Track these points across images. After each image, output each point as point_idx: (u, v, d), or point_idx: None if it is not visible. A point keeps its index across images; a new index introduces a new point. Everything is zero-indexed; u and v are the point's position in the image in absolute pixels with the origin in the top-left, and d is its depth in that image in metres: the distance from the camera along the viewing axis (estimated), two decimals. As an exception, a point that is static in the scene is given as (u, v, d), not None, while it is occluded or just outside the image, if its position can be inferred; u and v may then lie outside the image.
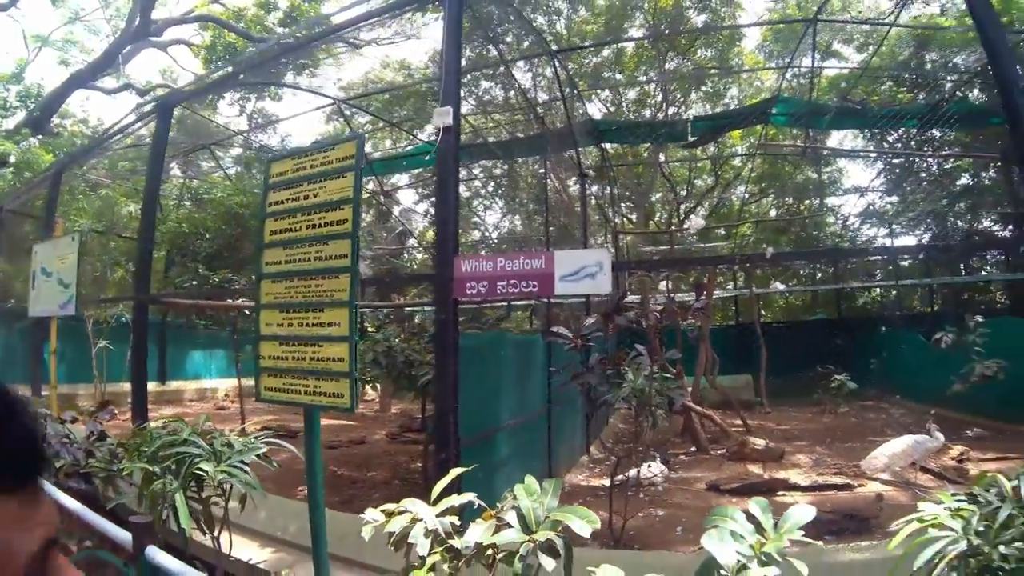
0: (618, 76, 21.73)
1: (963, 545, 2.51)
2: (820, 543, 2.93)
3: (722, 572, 2.33)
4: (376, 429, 13.83)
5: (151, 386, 17.95)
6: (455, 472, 3.19)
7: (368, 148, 27.68)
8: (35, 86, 22.82)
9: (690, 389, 12.37)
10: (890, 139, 17.09)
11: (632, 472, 7.60)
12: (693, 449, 10.88)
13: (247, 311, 9.69)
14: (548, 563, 2.50)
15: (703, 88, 21.52)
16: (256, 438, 4.53)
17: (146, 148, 13.49)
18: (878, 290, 22.29)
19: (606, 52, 20.78)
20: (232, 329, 12.06)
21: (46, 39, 27.89)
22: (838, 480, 8.13)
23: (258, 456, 4.31)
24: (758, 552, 2.42)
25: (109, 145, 11.74)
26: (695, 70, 19.73)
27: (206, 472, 4.01)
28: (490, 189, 25.04)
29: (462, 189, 27.12)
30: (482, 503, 2.94)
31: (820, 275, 23.17)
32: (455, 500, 2.91)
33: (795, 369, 15.46)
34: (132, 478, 4.76)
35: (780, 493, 7.52)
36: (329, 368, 3.63)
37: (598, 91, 22.20)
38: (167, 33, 23.92)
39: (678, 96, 22.24)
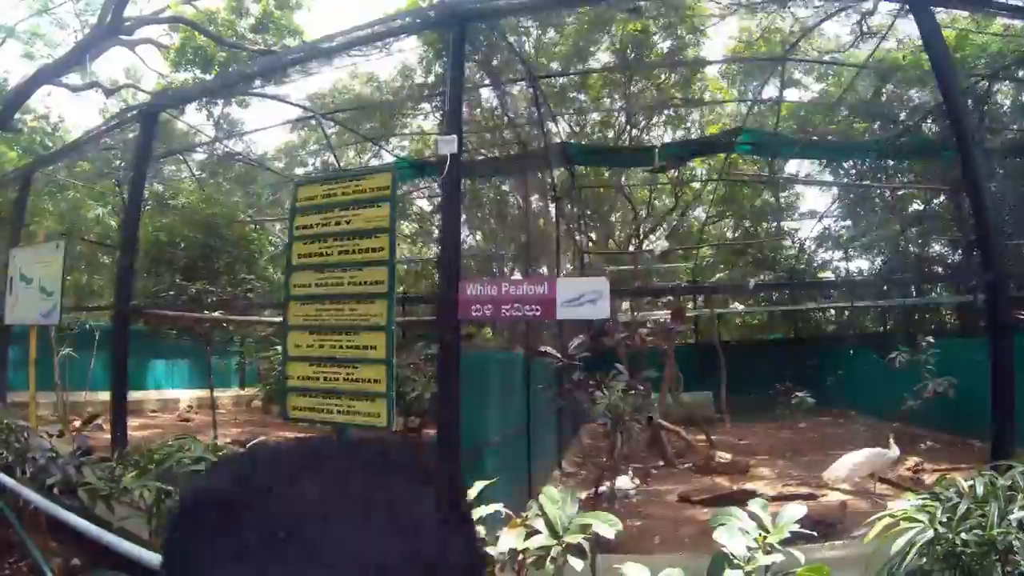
0: (582, 98, 22.08)
1: (930, 534, 2.89)
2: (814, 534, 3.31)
3: (734, 561, 2.63)
4: None
5: (109, 396, 17.58)
6: (480, 485, 3.38)
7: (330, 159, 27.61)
8: (1, 79, 22.27)
9: (656, 405, 12.72)
10: (846, 166, 17.81)
11: (606, 485, 7.87)
12: (661, 463, 11.18)
13: (226, 324, 9.71)
14: (577, 564, 2.75)
15: (666, 112, 22.02)
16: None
17: (112, 153, 13.41)
18: (833, 311, 23.08)
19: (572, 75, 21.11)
20: (205, 340, 11.93)
21: (12, 30, 27.17)
22: (803, 490, 8.52)
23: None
24: (762, 544, 2.77)
25: (84, 149, 11.60)
26: (659, 100, 20.26)
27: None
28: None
29: (423, 203, 27.23)
30: (509, 512, 3.16)
31: (776, 296, 23.81)
32: (483, 511, 3.13)
33: (754, 386, 15.92)
34: (134, 497, 4.75)
35: (749, 503, 7.82)
36: (365, 388, 3.80)
37: (563, 112, 22.55)
38: (137, 32, 23.46)
39: (641, 120, 22.71)
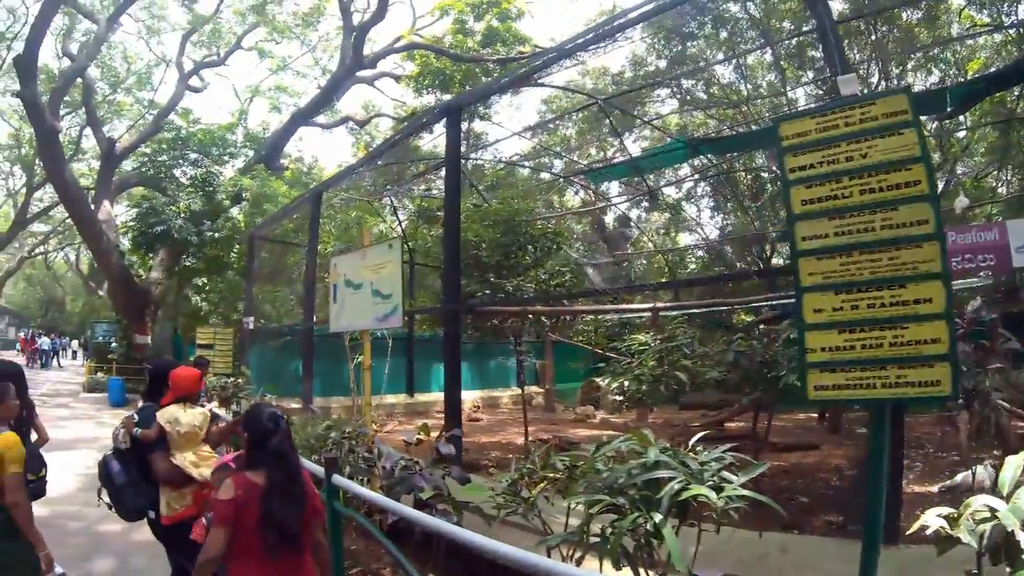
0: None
1: None
2: None
3: None
4: (659, 435, 12.72)
5: (399, 399, 18.13)
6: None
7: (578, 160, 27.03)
8: (259, 129, 24.14)
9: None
10: None
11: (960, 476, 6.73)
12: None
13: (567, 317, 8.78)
14: None
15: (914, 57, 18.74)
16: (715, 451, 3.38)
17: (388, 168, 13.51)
18: None
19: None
20: (514, 340, 11.44)
21: (256, 88, 29.82)
22: None
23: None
24: None
25: (383, 154, 11.45)
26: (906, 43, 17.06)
27: (708, 499, 2.96)
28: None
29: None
30: None
31: None
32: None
33: None
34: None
35: None
36: (919, 352, 2.95)
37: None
38: (378, 65, 24.40)
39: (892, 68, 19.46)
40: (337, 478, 3.98)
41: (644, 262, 27.33)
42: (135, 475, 4.15)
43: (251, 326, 13.86)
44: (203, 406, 4.63)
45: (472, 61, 22.07)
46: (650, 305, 11.44)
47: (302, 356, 11.44)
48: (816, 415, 13.95)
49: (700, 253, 28.06)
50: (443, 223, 7.21)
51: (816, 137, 3.41)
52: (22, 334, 43.96)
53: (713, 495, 2.95)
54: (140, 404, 4.51)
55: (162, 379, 4.38)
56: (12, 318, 56.28)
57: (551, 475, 4.31)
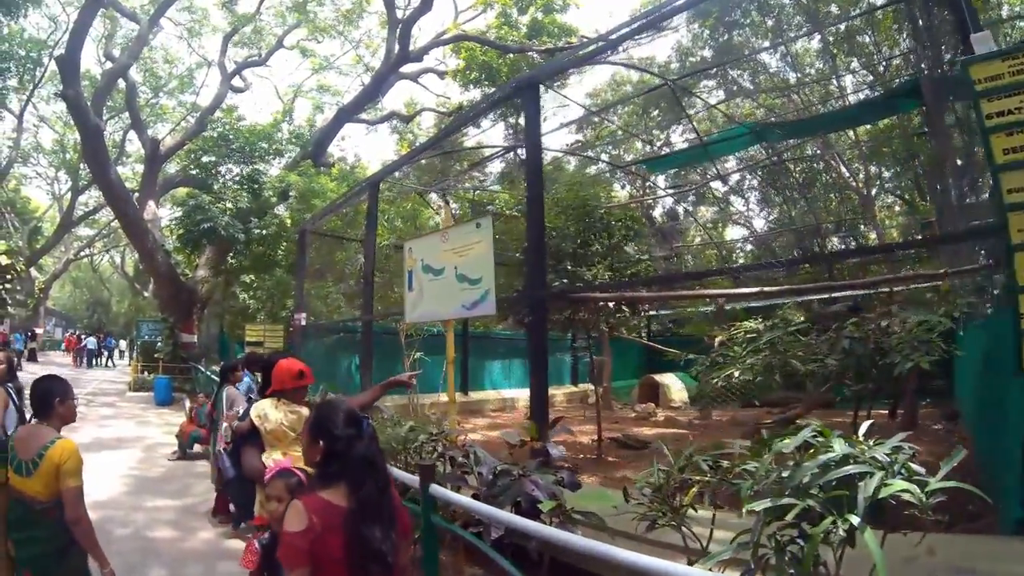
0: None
1: None
2: None
3: None
4: (709, 436, 12.15)
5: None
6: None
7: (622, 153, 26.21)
8: (305, 126, 23.63)
9: None
10: None
11: None
12: None
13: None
14: None
15: None
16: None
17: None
18: None
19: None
20: (572, 335, 10.65)
21: (299, 88, 29.43)
22: None
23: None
24: None
25: (459, 128, 10.70)
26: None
27: (912, 495, 2.34)
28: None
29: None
30: None
31: None
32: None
33: None
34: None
35: None
36: None
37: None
38: (422, 59, 23.74)
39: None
40: (436, 488, 3.44)
41: (691, 257, 26.36)
42: (240, 470, 3.98)
43: (303, 322, 13.19)
44: (298, 403, 3.93)
45: (521, 52, 21.28)
46: (757, 289, 10.49)
47: (361, 351, 10.70)
48: (887, 411, 13.07)
49: (748, 247, 27.17)
50: (527, 204, 6.35)
51: (1011, 80, 3.02)
52: (68, 334, 44.22)
53: (917, 490, 2.28)
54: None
55: (270, 370, 4.04)
56: (59, 319, 56.84)
57: (698, 478, 3.54)
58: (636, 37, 6.52)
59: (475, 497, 4.29)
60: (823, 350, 7.72)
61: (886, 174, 21.38)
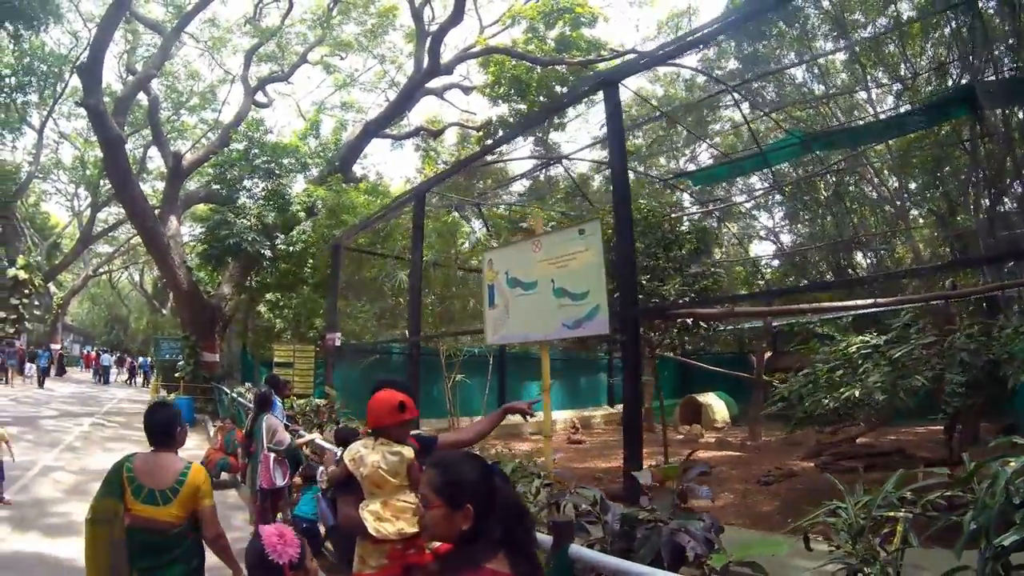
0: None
1: None
2: None
3: None
4: (768, 460, 11.79)
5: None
6: None
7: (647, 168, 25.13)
8: (332, 140, 22.64)
9: None
10: None
11: None
12: None
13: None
14: None
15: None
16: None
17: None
18: None
19: None
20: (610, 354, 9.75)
21: (321, 105, 28.49)
22: None
23: None
24: None
25: (538, 118, 9.63)
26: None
27: None
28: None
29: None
30: None
31: None
32: None
33: None
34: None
35: None
36: None
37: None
38: (453, 71, 22.76)
39: None
40: (577, 550, 2.69)
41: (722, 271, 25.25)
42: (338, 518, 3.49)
43: (337, 342, 12.03)
44: (401, 443, 3.02)
45: (553, 64, 20.30)
46: (870, 300, 9.37)
47: (407, 373, 9.50)
48: (943, 427, 12.02)
49: (775, 263, 26.18)
50: (615, 212, 5.24)
51: None
52: (87, 351, 43.28)
53: None
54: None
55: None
56: (77, 335, 55.86)
57: (892, 513, 2.84)
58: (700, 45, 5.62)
59: (603, 551, 3.26)
60: (936, 363, 6.79)
61: (912, 185, 20.29)
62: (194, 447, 13.18)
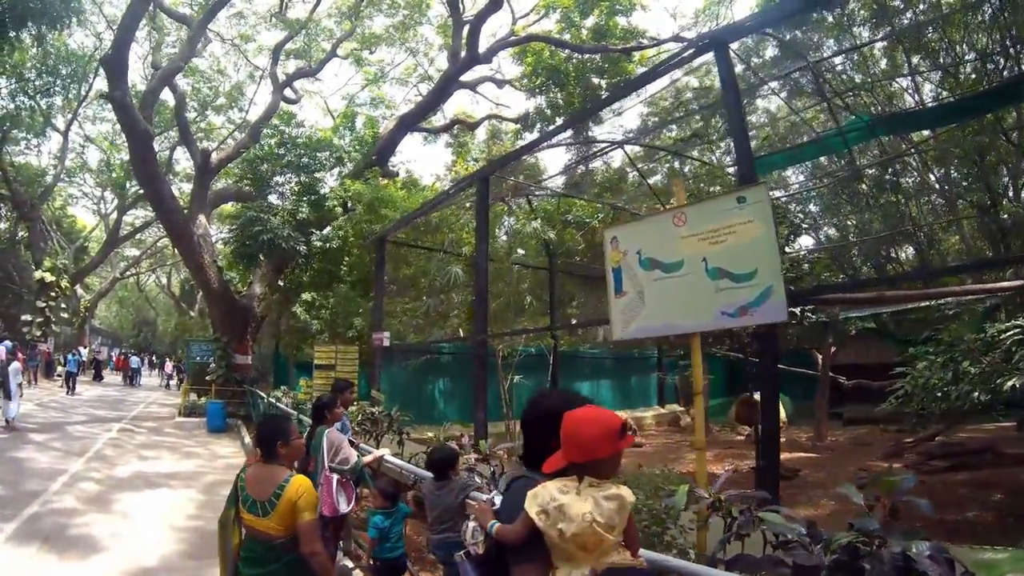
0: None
1: None
2: None
3: None
4: (847, 461, 10.94)
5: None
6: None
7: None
8: (368, 133, 21.59)
9: None
10: None
11: None
12: None
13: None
14: None
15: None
16: None
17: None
18: None
19: None
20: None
21: (352, 99, 27.55)
22: None
23: None
24: None
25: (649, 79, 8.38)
26: None
27: None
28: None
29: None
30: None
31: None
32: None
33: None
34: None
35: None
36: None
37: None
38: (492, 60, 21.64)
39: None
40: None
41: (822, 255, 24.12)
42: None
43: (386, 342, 10.92)
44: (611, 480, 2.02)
45: (594, 52, 19.16)
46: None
47: (474, 374, 8.41)
48: (1016, 423, 10.83)
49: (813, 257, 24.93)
50: (739, 180, 4.08)
51: None
52: (115, 353, 42.60)
53: None
54: (510, 474, 2.35)
55: (552, 424, 2.05)
56: (105, 338, 55.32)
57: None
58: None
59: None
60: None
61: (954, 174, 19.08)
62: (229, 455, 12.19)
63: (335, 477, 5.13)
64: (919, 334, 16.77)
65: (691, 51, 6.04)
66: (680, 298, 4.19)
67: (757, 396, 16.39)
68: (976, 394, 6.36)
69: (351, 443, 5.75)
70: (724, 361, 17.93)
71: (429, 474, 4.49)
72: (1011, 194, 18.29)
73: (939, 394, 6.92)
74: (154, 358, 44.75)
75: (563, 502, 1.88)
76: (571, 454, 1.94)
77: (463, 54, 19.37)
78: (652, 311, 4.36)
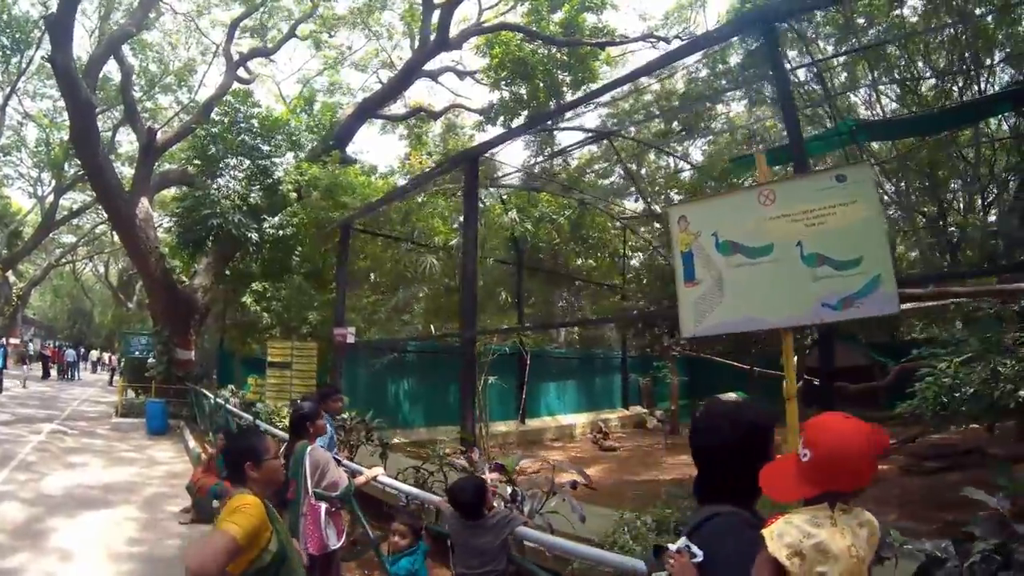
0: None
1: None
2: None
3: None
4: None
5: (509, 426, 13.85)
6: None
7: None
8: (326, 116, 20.14)
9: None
10: None
11: None
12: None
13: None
14: None
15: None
16: None
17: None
18: None
19: None
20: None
21: (307, 83, 26.06)
22: None
23: None
24: None
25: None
26: None
27: None
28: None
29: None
30: None
31: None
32: None
33: None
34: None
35: None
36: None
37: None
38: (462, 46, 20.54)
39: None
40: None
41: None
42: None
43: (350, 339, 9.71)
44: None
45: (567, 45, 18.27)
46: None
47: (461, 374, 7.34)
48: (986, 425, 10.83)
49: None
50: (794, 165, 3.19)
51: None
52: (48, 344, 39.39)
53: None
54: (698, 514, 1.73)
55: (765, 442, 1.68)
56: (38, 329, 51.63)
57: None
58: None
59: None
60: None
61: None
62: (169, 460, 10.78)
63: (323, 506, 3.97)
64: (882, 338, 16.73)
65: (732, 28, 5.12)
66: (769, 288, 3.27)
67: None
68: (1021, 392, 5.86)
69: (335, 460, 4.57)
70: (685, 362, 17.37)
71: (436, 498, 3.81)
72: (959, 207, 18.29)
73: (966, 394, 6.41)
74: (92, 352, 41.68)
75: (822, 538, 1.43)
76: (838, 481, 1.47)
77: (433, 37, 18.19)
78: (733, 302, 3.42)
